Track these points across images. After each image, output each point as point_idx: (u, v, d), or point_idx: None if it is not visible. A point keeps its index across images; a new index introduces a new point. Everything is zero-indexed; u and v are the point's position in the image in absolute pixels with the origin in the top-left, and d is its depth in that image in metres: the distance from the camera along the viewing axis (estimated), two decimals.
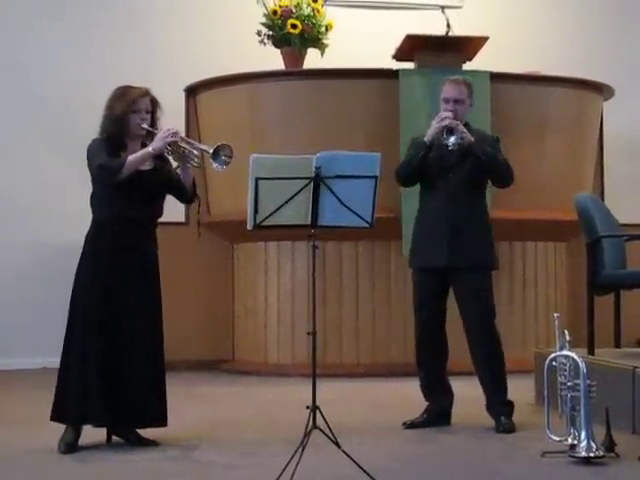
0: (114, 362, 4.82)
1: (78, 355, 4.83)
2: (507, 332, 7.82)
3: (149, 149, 4.85)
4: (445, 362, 5.49)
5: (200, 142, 8.45)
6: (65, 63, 8.53)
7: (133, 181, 4.85)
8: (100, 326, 4.82)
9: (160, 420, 4.92)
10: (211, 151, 4.79)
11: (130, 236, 4.91)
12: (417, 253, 5.46)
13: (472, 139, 5.27)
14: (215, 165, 4.78)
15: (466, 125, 5.34)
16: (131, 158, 4.82)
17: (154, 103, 5.01)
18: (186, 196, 5.09)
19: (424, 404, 5.45)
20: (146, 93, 4.98)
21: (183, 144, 4.90)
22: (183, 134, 4.93)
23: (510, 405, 5.35)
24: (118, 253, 4.89)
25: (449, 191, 5.33)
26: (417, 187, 5.56)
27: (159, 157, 4.95)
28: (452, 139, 5.21)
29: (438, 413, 5.41)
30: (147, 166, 4.94)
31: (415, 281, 5.49)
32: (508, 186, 5.48)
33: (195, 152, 4.91)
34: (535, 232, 8.03)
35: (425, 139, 5.33)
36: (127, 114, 4.91)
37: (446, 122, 5.23)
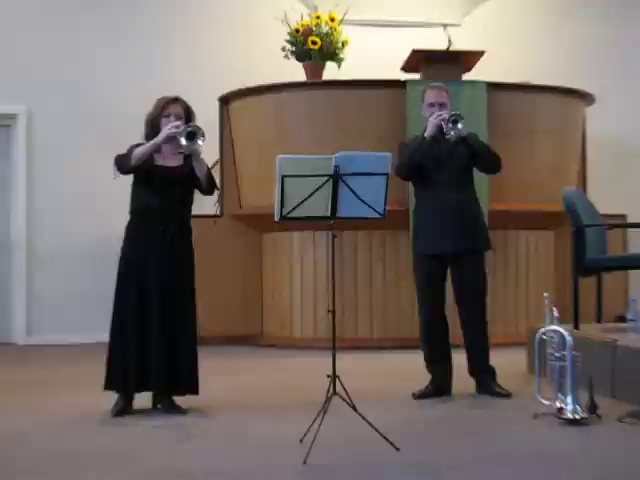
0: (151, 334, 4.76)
1: (126, 330, 4.80)
2: (502, 310, 7.84)
3: (154, 140, 4.78)
4: (448, 339, 5.38)
5: (233, 147, 8.47)
6: (118, 78, 8.65)
7: (159, 176, 4.82)
8: (141, 308, 4.78)
9: (194, 388, 4.87)
10: (187, 130, 4.69)
11: (158, 223, 4.80)
12: (420, 240, 5.37)
13: (466, 132, 5.20)
14: (185, 143, 4.67)
15: None
16: (138, 149, 4.78)
17: (187, 111, 4.92)
18: (201, 186, 4.91)
19: (429, 373, 5.41)
20: (175, 100, 4.90)
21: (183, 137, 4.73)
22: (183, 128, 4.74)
23: (493, 369, 5.35)
24: (149, 238, 4.81)
25: (444, 182, 5.26)
26: None
27: (188, 155, 4.86)
28: (459, 125, 5.15)
29: (441, 385, 5.33)
30: (177, 162, 4.88)
31: (418, 265, 5.39)
32: (498, 172, 5.43)
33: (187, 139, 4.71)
34: (527, 222, 8.00)
35: (426, 134, 5.23)
36: (158, 118, 4.87)
37: (446, 115, 5.18)
